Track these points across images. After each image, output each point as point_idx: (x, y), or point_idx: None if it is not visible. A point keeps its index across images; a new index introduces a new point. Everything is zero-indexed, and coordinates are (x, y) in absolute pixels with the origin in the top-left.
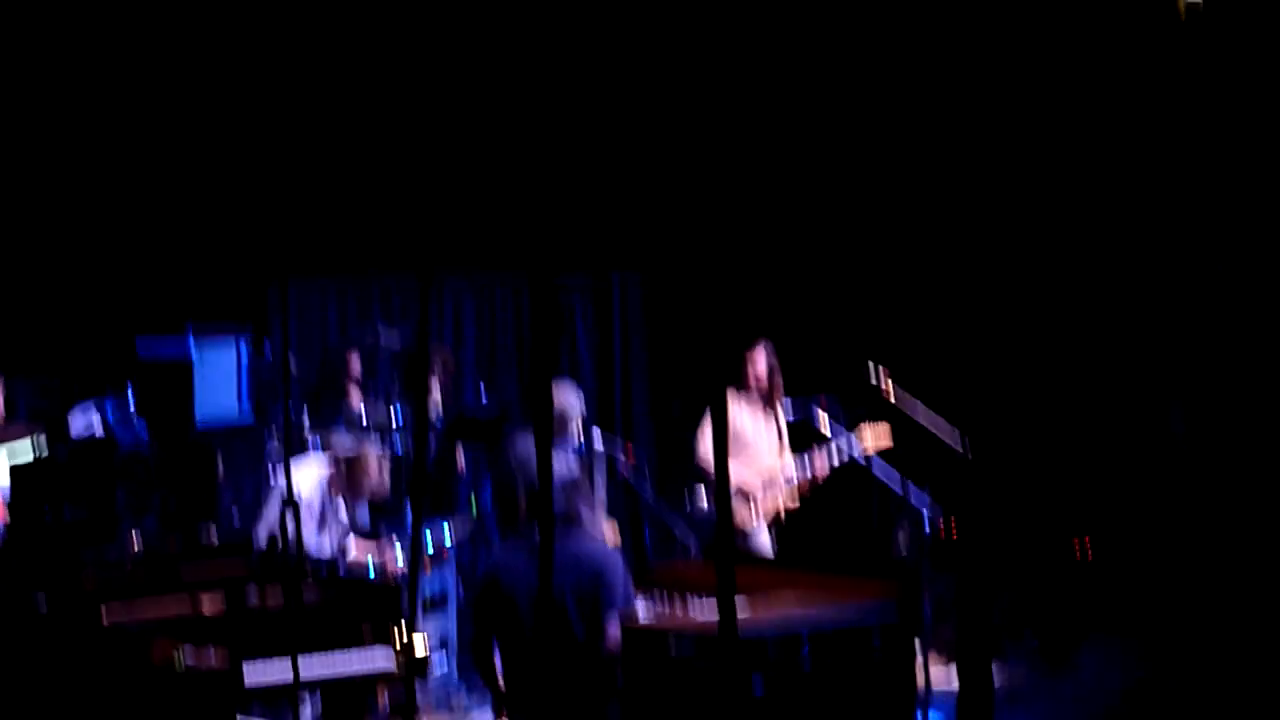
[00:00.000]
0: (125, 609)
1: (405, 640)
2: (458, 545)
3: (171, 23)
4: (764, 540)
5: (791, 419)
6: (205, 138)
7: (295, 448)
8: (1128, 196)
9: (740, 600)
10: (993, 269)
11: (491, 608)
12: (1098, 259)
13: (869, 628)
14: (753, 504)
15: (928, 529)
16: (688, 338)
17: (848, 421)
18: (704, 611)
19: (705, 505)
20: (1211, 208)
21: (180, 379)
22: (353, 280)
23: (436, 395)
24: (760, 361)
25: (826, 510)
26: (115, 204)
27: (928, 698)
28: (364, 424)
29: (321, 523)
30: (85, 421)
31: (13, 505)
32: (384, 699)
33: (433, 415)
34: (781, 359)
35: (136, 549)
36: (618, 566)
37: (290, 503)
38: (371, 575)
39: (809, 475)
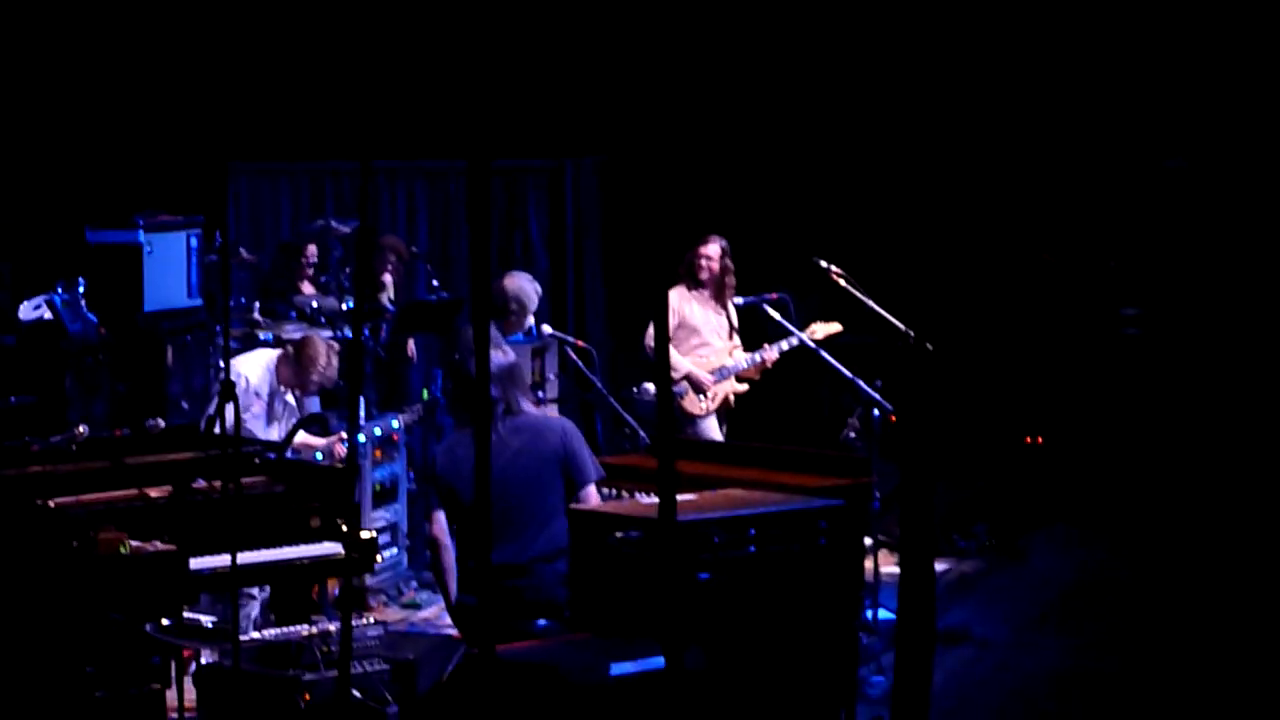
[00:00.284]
0: (70, 495)
1: (352, 527)
2: (407, 432)
3: None
4: (713, 427)
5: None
6: (160, 25)
7: (248, 341)
8: (1083, 87)
9: (689, 494)
10: (949, 163)
11: (441, 494)
12: (1052, 150)
13: (815, 510)
14: (704, 393)
15: (878, 419)
16: (642, 228)
17: (799, 319)
18: (653, 501)
19: (654, 396)
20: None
21: (130, 269)
22: (306, 171)
23: (389, 284)
24: (713, 256)
25: (777, 399)
26: (71, 93)
27: (876, 586)
28: (315, 314)
29: (270, 414)
30: (34, 309)
31: None
32: (333, 589)
33: (385, 304)
34: (734, 256)
35: (83, 435)
36: (577, 432)
37: (228, 387)
38: (319, 458)
39: (760, 362)
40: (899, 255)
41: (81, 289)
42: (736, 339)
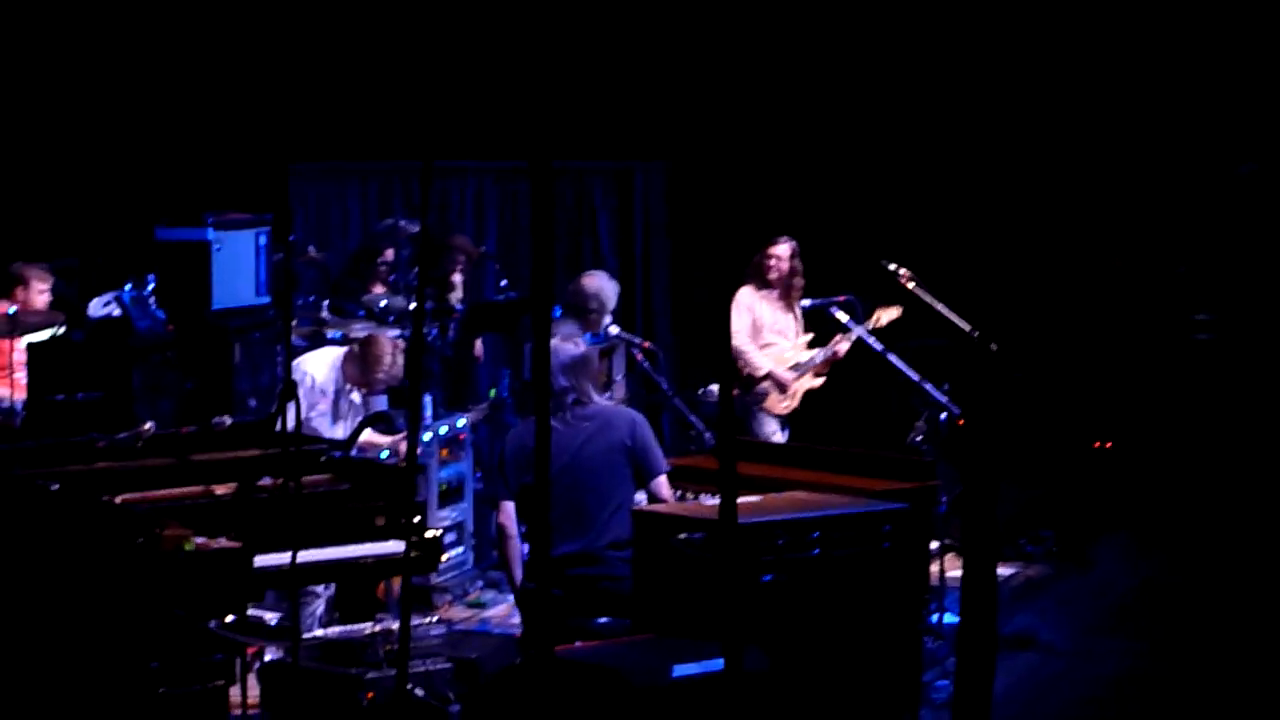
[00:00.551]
0: (136, 492)
1: (418, 526)
2: (473, 432)
3: None
4: (775, 429)
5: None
6: (233, 26)
7: (315, 340)
8: (1161, 93)
9: (753, 496)
10: (1017, 168)
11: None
12: (1125, 155)
13: (880, 514)
14: (785, 391)
15: (945, 422)
16: (710, 231)
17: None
18: (717, 502)
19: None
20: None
21: (198, 266)
22: (375, 171)
23: (458, 284)
24: (782, 256)
25: (845, 402)
26: (144, 93)
27: (942, 590)
28: (383, 313)
29: (335, 412)
30: (103, 306)
31: (30, 384)
32: (398, 588)
33: (454, 303)
34: (803, 258)
35: (149, 432)
36: (645, 424)
37: (289, 386)
38: (384, 456)
39: (832, 355)
40: (969, 259)
41: (150, 286)
42: (804, 339)
